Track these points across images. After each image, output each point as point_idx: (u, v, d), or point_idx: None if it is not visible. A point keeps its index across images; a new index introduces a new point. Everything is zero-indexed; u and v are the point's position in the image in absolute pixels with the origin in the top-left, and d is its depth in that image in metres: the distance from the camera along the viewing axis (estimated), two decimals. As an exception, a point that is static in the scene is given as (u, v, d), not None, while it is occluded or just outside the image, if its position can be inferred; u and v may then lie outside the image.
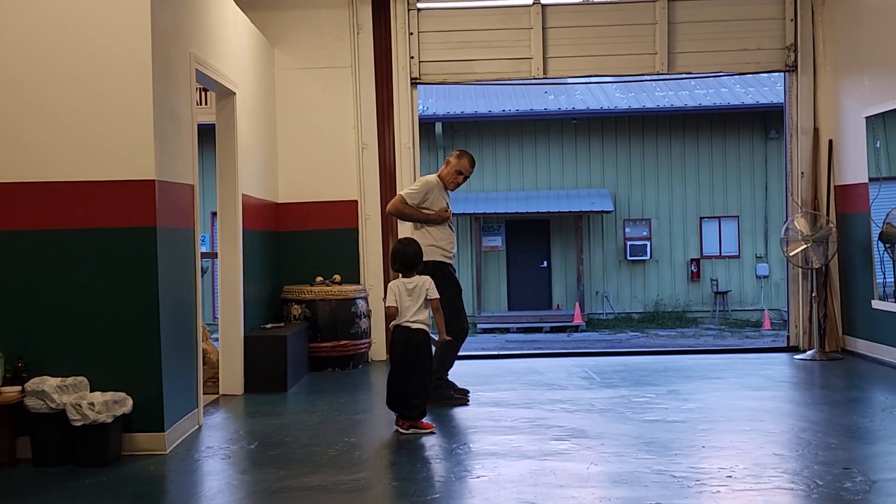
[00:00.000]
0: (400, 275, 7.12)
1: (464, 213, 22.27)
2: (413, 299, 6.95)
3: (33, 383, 6.07)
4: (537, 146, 23.57)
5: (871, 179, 9.86)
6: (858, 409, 7.60)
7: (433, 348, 7.27)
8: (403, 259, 7.10)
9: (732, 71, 11.63)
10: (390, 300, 6.98)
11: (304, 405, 8.19)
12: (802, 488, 5.22)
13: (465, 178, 8.27)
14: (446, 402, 7.89)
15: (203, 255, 8.71)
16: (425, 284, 7.01)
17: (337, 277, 10.38)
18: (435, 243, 7.98)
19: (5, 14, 6.31)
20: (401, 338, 6.94)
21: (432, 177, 8.18)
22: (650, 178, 23.45)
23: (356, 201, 10.89)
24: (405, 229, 10.42)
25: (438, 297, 7.03)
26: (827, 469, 5.58)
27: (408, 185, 10.68)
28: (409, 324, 6.93)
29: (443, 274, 7.96)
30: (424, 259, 7.57)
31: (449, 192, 8.25)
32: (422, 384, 6.90)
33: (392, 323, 7.00)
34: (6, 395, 6.04)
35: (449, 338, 7.37)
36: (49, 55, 6.31)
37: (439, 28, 11.11)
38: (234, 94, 8.74)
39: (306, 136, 10.85)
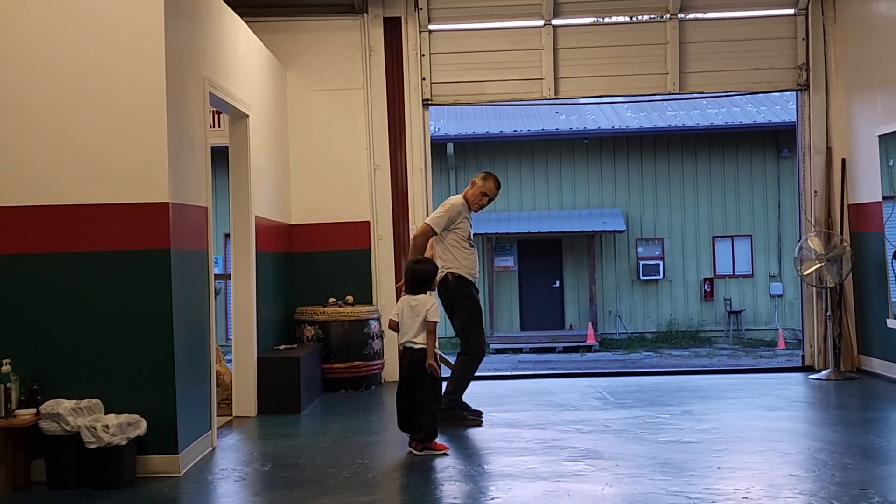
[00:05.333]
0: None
1: (475, 234, 22.20)
2: (415, 318, 6.94)
3: (48, 406, 6.08)
4: (549, 166, 23.59)
5: (884, 198, 9.83)
6: (874, 429, 7.56)
7: (442, 368, 7.23)
8: (410, 276, 7.12)
9: (744, 90, 11.64)
10: (392, 314, 7.11)
11: (318, 427, 8.18)
12: (819, 509, 5.19)
13: (490, 201, 8.32)
14: (460, 424, 7.87)
15: (216, 276, 8.73)
16: (426, 304, 6.95)
17: (349, 298, 10.39)
18: (459, 264, 8.01)
19: (21, 38, 6.37)
20: (405, 358, 6.96)
21: (458, 199, 8.20)
22: (662, 198, 23.42)
23: (368, 222, 10.91)
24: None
25: (436, 321, 6.92)
26: (844, 490, 5.54)
27: (419, 205, 10.79)
28: (411, 344, 6.95)
29: (465, 295, 7.99)
30: (452, 272, 7.86)
31: (472, 212, 8.28)
32: (424, 405, 6.86)
33: (399, 343, 7.06)
34: (21, 418, 6.05)
35: (433, 364, 6.89)
36: (64, 78, 6.35)
37: (451, 49, 11.16)
38: (247, 116, 8.78)
39: (319, 157, 10.89)
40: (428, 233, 8.02)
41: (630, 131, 23.06)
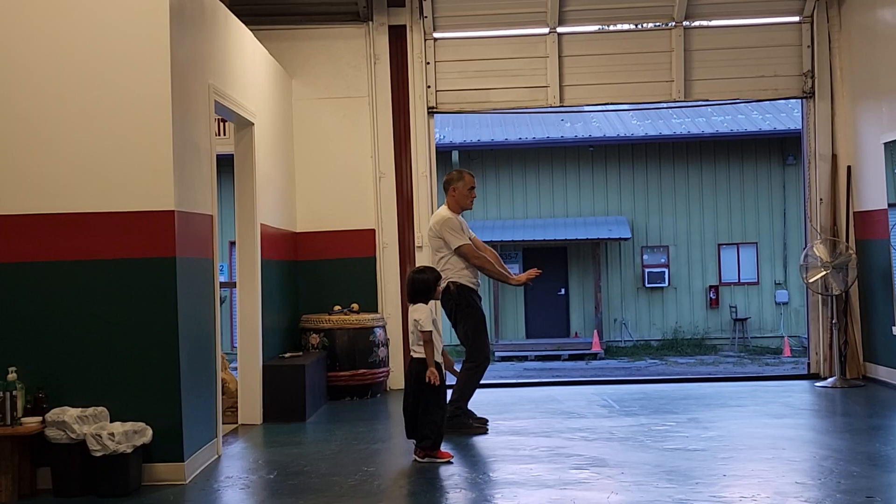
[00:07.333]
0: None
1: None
2: (413, 328, 6.98)
3: (54, 414, 6.09)
4: (554, 174, 23.58)
5: (890, 205, 9.83)
6: (881, 437, 7.54)
7: (448, 376, 7.20)
8: (409, 285, 7.16)
9: (749, 98, 11.65)
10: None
11: (323, 434, 8.18)
12: (825, 517, 5.17)
13: (475, 190, 8.40)
14: (465, 431, 7.87)
15: (222, 284, 8.73)
16: (416, 314, 6.96)
17: (355, 306, 10.39)
18: (461, 273, 8.02)
19: (26, 48, 6.38)
20: (409, 367, 6.96)
21: (450, 214, 8.20)
22: (668, 205, 23.40)
23: (374, 230, 10.92)
24: (422, 258, 10.46)
25: (427, 329, 6.85)
26: (850, 498, 5.53)
27: (424, 213, 10.79)
28: (413, 353, 6.99)
29: (467, 304, 8.01)
30: (454, 281, 7.87)
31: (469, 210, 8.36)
32: (426, 414, 6.84)
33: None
34: (27, 426, 6.05)
35: (434, 372, 6.81)
36: (69, 87, 6.37)
37: (455, 57, 11.18)
38: (253, 124, 8.80)
39: (324, 165, 10.90)
40: (473, 249, 8.09)
41: (635, 139, 23.04)
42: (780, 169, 23.28)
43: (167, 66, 6.36)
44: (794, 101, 12.03)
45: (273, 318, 9.42)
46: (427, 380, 6.79)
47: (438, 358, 6.95)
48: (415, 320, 6.92)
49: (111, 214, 6.35)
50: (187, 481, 6.37)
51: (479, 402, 8.40)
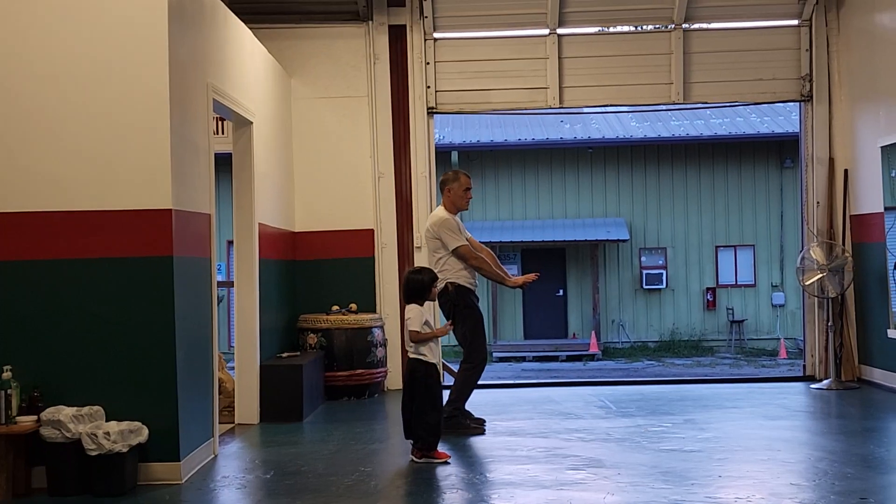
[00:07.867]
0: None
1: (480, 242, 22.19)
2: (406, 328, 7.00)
3: (49, 413, 6.08)
4: (553, 175, 23.61)
5: (886, 209, 9.84)
6: (875, 439, 7.55)
7: (445, 377, 7.22)
8: (405, 285, 7.16)
9: (748, 100, 11.64)
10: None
11: (320, 434, 8.18)
12: (820, 520, 5.18)
13: (471, 190, 8.41)
14: (462, 432, 7.88)
15: (219, 284, 8.72)
16: (406, 314, 7.00)
17: (353, 306, 10.39)
18: (458, 273, 8.03)
19: (25, 46, 6.38)
20: (406, 367, 6.98)
21: (447, 215, 8.19)
22: (666, 207, 23.43)
23: (372, 230, 10.92)
24: (420, 258, 10.46)
25: (414, 329, 6.87)
26: (844, 499, 5.54)
27: (423, 213, 10.78)
28: (410, 353, 7.01)
29: (466, 304, 8.01)
30: (451, 282, 7.86)
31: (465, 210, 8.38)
32: (420, 415, 6.84)
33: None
34: (22, 425, 6.04)
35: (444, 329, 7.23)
36: (67, 85, 6.36)
37: (455, 58, 11.17)
38: (251, 123, 8.80)
39: (323, 165, 10.90)
40: (471, 250, 8.08)
41: (634, 141, 23.08)
42: (777, 172, 23.32)
43: (165, 65, 6.36)
44: (792, 104, 12.04)
45: (271, 318, 9.42)
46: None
47: (433, 359, 6.98)
48: (406, 319, 6.94)
49: (109, 213, 6.35)
50: (183, 481, 6.37)
51: (477, 402, 8.40)
